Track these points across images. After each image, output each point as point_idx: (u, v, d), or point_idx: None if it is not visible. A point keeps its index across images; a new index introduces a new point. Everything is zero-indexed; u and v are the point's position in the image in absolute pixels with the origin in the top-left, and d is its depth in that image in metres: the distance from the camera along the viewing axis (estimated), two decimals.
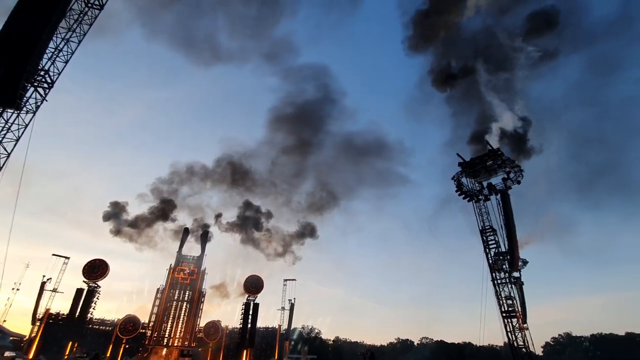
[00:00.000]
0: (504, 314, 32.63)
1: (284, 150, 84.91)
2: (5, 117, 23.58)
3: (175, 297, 57.26)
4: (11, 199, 25.81)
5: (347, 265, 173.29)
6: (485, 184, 35.18)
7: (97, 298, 49.29)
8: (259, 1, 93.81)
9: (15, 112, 23.76)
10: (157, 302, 55.80)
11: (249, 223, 67.99)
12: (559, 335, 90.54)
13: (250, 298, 54.64)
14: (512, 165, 34.08)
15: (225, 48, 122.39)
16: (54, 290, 50.82)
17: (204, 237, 61.78)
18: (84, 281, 48.60)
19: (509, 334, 30.94)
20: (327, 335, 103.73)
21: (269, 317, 63.64)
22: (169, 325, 55.17)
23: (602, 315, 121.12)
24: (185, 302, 57.22)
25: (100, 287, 49.56)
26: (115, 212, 60.50)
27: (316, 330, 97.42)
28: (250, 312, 53.44)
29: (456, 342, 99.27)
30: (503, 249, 34.07)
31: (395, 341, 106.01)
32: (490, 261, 34.52)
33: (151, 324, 54.16)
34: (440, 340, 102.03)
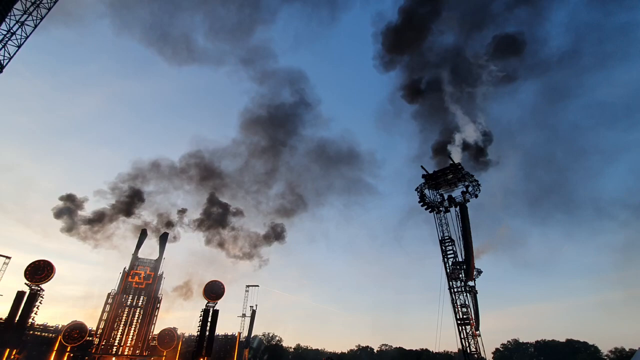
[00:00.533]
0: (459, 321, 34.09)
1: (255, 152, 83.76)
2: None
3: (128, 303, 54.06)
4: None
5: (313, 272, 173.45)
6: (446, 196, 36.89)
7: (39, 302, 45.30)
8: (238, 5, 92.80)
9: None
10: (108, 308, 52.37)
11: (214, 219, 66.00)
12: (508, 341, 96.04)
13: (210, 304, 52.76)
14: (470, 180, 36.07)
15: (201, 48, 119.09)
16: None
17: (164, 239, 59.03)
18: (25, 283, 44.55)
19: (463, 340, 32.35)
20: (289, 342, 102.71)
21: (229, 324, 62.01)
22: (119, 333, 51.86)
23: (546, 323, 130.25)
24: (139, 309, 54.15)
25: (43, 290, 45.63)
26: (68, 207, 56.29)
27: (277, 338, 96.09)
28: (209, 319, 51.56)
29: (414, 349, 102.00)
30: (460, 259, 35.76)
31: (355, 348, 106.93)
32: (448, 270, 36.06)
33: (99, 331, 50.65)
34: (400, 347, 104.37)
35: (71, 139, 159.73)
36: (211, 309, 52.29)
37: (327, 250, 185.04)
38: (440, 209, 36.22)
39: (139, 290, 54.59)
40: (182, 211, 65.29)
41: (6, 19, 23.73)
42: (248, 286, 61.96)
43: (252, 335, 61.82)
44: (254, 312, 59.42)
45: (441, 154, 39.36)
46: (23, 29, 23.91)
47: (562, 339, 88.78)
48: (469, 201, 36.38)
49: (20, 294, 43.84)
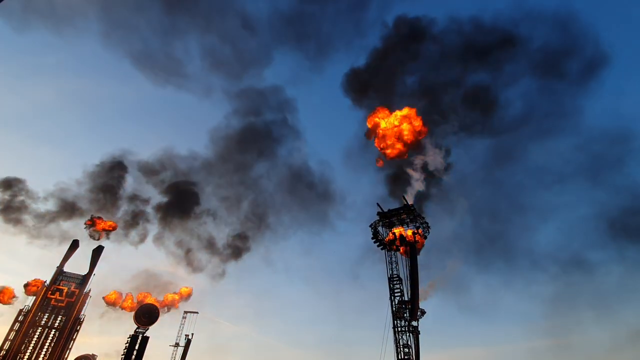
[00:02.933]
0: None
1: (224, 168, 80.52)
2: None
3: (43, 322, 47.50)
4: None
5: (260, 302, 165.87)
6: (397, 234, 38.01)
7: None
8: (235, 43, 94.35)
9: None
10: (17, 326, 45.57)
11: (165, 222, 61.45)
12: None
13: (140, 330, 47.97)
14: (422, 221, 37.67)
15: (187, 74, 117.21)
16: None
17: (97, 253, 53.61)
18: None
19: None
20: None
21: (158, 354, 56.30)
22: (25, 357, 45.01)
23: None
24: (54, 330, 47.69)
25: None
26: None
27: None
28: (136, 347, 46.63)
29: None
30: (406, 298, 36.35)
31: None
32: (394, 309, 36.38)
33: (2, 352, 43.63)
34: None
35: (14, 133, 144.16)
36: (140, 335, 47.51)
37: (279, 281, 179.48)
38: (392, 247, 37.11)
39: (57, 308, 48.35)
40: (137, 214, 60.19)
41: None
42: (186, 312, 57.47)
43: None
44: (189, 342, 54.72)
45: (397, 196, 40.98)
46: None
47: None
48: (418, 241, 37.72)
49: None
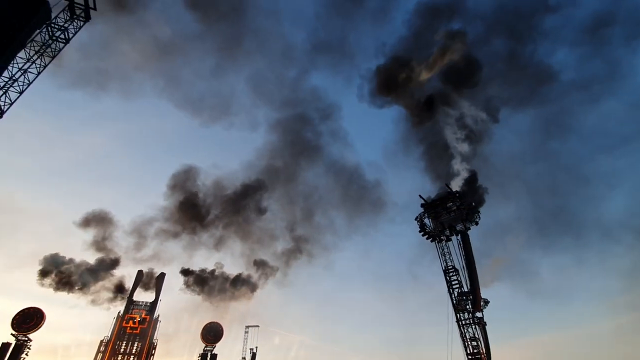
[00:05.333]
0: (470, 356, 32.54)
1: (274, 182, 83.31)
2: None
3: (122, 350, 51.20)
4: None
5: (317, 310, 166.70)
6: (446, 224, 36.61)
7: (26, 354, 42.76)
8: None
9: None
10: (100, 357, 49.49)
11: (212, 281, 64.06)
12: None
13: (208, 348, 50.14)
14: (469, 208, 35.99)
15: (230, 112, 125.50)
16: None
17: (160, 280, 57.14)
18: (12, 334, 42.27)
19: None
20: None
21: None
22: None
23: (562, 353, 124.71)
24: (132, 356, 51.21)
25: (31, 340, 43.29)
26: (52, 269, 54.61)
27: None
28: None
29: None
30: (466, 289, 34.78)
31: None
32: (454, 301, 34.94)
33: None
34: None
35: (70, 179, 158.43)
36: (209, 353, 49.64)
37: (338, 288, 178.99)
38: (442, 237, 35.78)
39: (133, 335, 51.95)
40: (187, 273, 63.38)
41: (8, 67, 24.48)
42: (248, 327, 59.26)
43: None
44: (254, 355, 56.36)
45: (442, 183, 39.45)
46: (26, 76, 24.61)
47: None
48: (469, 229, 36.06)
49: (4, 346, 41.43)
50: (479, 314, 34.05)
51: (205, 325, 51.12)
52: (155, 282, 57.13)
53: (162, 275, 57.88)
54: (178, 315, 61.65)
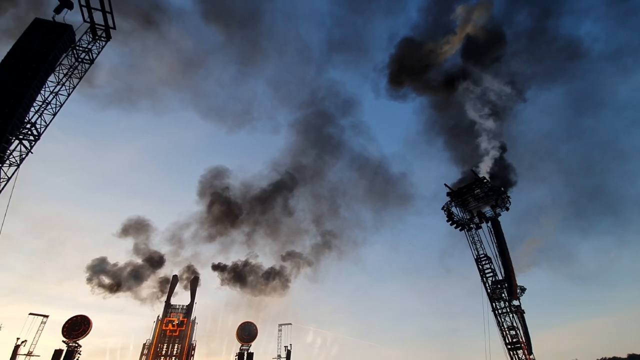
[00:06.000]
0: (509, 346, 31.68)
1: (298, 172, 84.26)
2: None
3: (164, 352, 53.46)
4: None
5: (353, 306, 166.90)
6: (475, 212, 35.63)
7: (76, 359, 45.60)
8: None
9: None
10: (144, 359, 51.91)
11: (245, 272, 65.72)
12: None
13: (244, 347, 51.49)
14: (498, 193, 34.82)
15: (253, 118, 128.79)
16: (29, 354, 46.82)
17: (194, 283, 59.10)
18: (63, 341, 45.14)
19: None
20: None
21: None
22: None
23: (605, 339, 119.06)
24: (174, 357, 53.38)
25: (81, 346, 46.04)
26: (99, 270, 57.85)
27: None
28: None
29: None
30: (500, 277, 33.81)
31: None
32: (489, 290, 34.06)
33: None
34: None
35: (105, 193, 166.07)
36: (245, 352, 50.94)
37: (369, 282, 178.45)
38: (471, 226, 34.87)
39: (173, 337, 54.12)
40: (220, 267, 65.45)
41: (41, 91, 25.93)
42: (281, 325, 60.22)
43: None
44: (289, 353, 57.26)
45: (468, 169, 38.20)
46: (57, 98, 26.01)
47: (624, 355, 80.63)
48: (499, 215, 34.96)
49: (57, 353, 44.28)
50: (515, 302, 33.04)
51: (240, 325, 52.46)
52: (190, 285, 59.14)
53: (196, 278, 59.81)
54: (215, 317, 63.56)
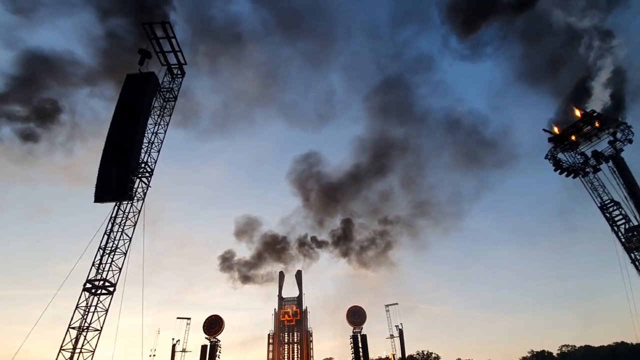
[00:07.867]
0: None
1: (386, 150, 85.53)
2: (122, 209, 28.26)
3: (286, 340, 58.94)
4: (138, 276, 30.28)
5: (456, 277, 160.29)
6: (589, 153, 30.55)
7: (219, 352, 53.23)
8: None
9: (129, 202, 28.36)
10: (271, 348, 58.04)
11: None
12: None
13: (356, 330, 53.54)
14: (616, 124, 29.23)
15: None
16: (184, 351, 56.27)
17: (299, 277, 63.61)
18: (205, 337, 53.10)
19: None
20: (448, 358, 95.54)
21: (379, 347, 61.22)
22: None
23: None
24: (295, 344, 58.45)
25: (220, 341, 53.57)
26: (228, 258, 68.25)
27: (434, 355, 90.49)
28: (360, 345, 52.14)
29: (606, 344, 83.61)
30: (636, 222, 28.58)
31: (528, 354, 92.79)
32: (623, 239, 29.12)
33: None
34: (586, 345, 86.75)
35: (210, 207, 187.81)
36: (358, 335, 52.92)
37: (475, 250, 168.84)
38: (587, 170, 30.03)
39: (291, 327, 59.23)
40: (310, 240, 70.36)
41: (145, 134, 30.66)
42: (387, 305, 60.91)
43: (407, 355, 59.71)
44: (401, 332, 57.64)
45: (570, 104, 32.73)
46: (157, 137, 30.49)
47: None
48: (622, 150, 29.36)
49: (204, 347, 52.29)
50: None
51: (349, 309, 54.61)
52: (295, 278, 63.77)
53: (299, 272, 64.22)
54: (325, 305, 67.81)
